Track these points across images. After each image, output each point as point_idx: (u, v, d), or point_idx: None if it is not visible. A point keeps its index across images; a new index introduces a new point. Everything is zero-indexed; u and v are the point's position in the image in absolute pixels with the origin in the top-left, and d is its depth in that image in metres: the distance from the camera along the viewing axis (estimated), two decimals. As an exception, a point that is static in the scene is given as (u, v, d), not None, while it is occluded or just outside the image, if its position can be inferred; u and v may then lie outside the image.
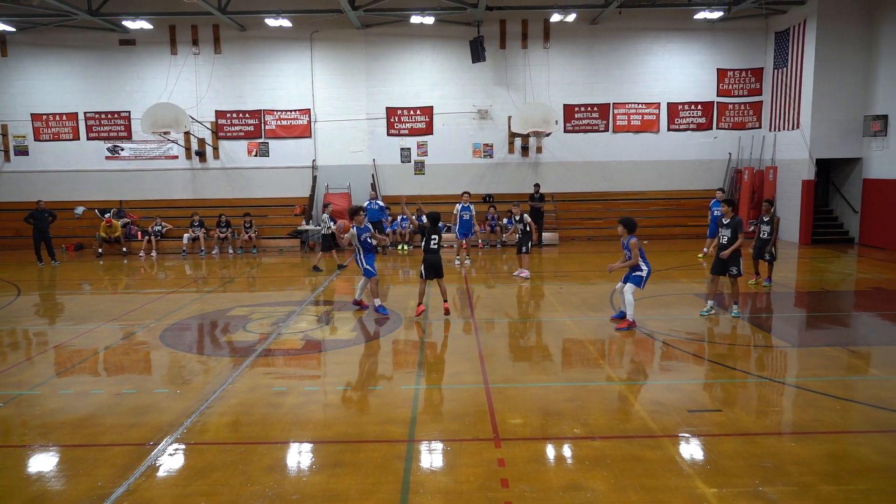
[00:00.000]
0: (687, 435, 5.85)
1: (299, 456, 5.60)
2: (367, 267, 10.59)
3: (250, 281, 14.92)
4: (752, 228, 17.73)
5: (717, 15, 19.31)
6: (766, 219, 12.41)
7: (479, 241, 19.43)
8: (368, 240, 10.75)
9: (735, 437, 5.84)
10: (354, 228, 10.63)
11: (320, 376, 7.92)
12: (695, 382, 7.47)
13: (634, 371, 7.90)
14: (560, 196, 21.35)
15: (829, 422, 6.16)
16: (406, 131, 21.26)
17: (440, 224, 10.60)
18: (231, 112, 21.09)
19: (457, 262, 16.07)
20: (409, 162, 21.43)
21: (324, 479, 5.15)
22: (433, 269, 10.29)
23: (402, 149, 21.35)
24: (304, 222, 20.02)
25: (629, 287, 9.57)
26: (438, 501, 4.77)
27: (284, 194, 21.35)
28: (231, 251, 19.23)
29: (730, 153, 21.36)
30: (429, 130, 21.24)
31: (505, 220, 19.85)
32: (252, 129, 21.17)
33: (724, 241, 10.30)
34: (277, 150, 21.28)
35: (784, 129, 19.89)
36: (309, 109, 21.04)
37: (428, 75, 21.02)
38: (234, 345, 9.18)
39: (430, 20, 19.40)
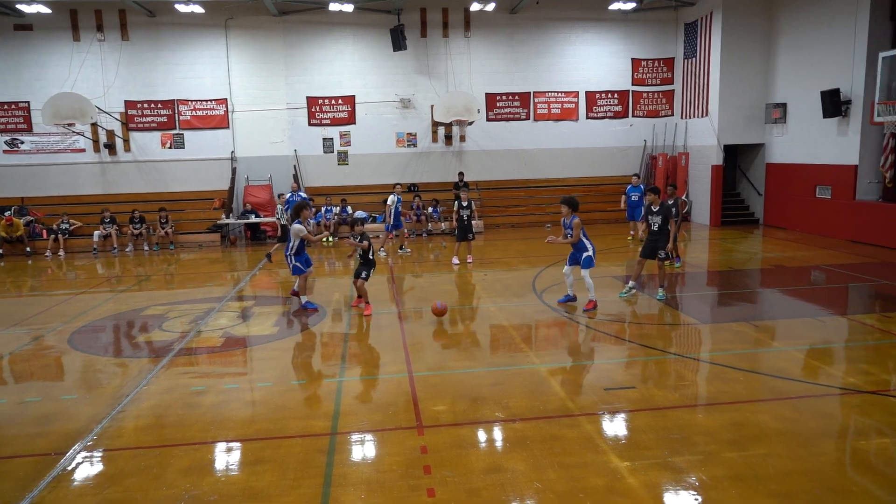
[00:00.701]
0: (603, 412, 6.07)
1: (218, 456, 5.48)
2: (297, 265, 10.45)
3: (167, 278, 14.39)
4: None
5: (630, 6, 19.92)
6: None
7: (406, 230, 19.41)
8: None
9: (648, 411, 6.10)
10: (297, 224, 10.40)
11: (241, 373, 7.75)
12: (612, 362, 7.75)
13: (555, 353, 8.11)
14: (484, 184, 21.59)
15: (734, 393, 6.53)
16: (328, 121, 20.94)
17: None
18: (142, 102, 20.17)
19: (382, 253, 16.01)
20: (333, 152, 21.14)
21: (244, 477, 5.06)
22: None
23: (324, 139, 21.03)
24: (223, 216, 19.45)
25: (586, 272, 9.77)
26: (360, 492, 4.78)
27: (202, 187, 20.65)
28: (146, 248, 18.46)
29: (645, 140, 22.14)
30: (351, 120, 21.01)
31: (430, 210, 19.92)
32: (165, 119, 20.33)
33: (656, 227, 10.56)
34: (193, 142, 20.54)
35: (694, 116, 20.78)
36: (226, 99, 20.40)
37: (349, 64, 20.76)
38: (149, 345, 8.85)
39: (349, 7, 19.13)
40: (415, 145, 21.39)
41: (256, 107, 20.53)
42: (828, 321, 9.24)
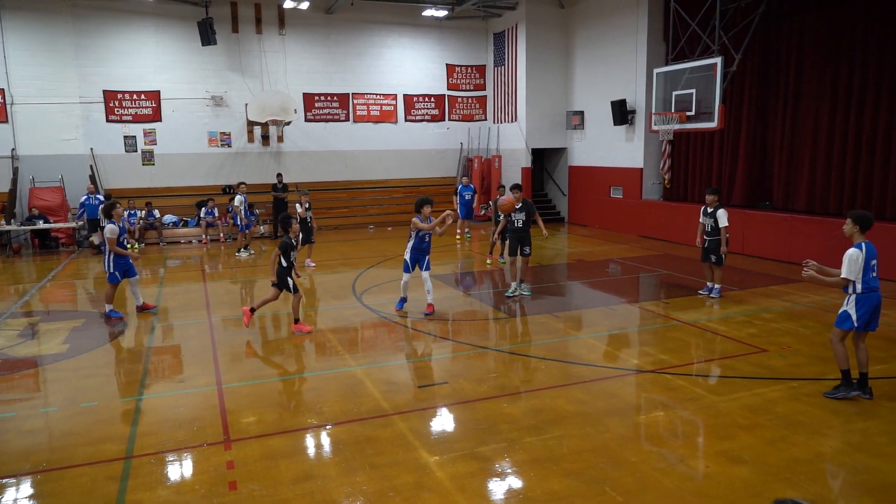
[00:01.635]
0: (416, 410, 6.21)
1: (-15, 496, 4.81)
2: (115, 272, 9.61)
3: (-71, 295, 12.37)
4: (483, 212, 19.40)
5: (442, 13, 20.60)
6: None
7: (221, 234, 18.47)
8: (126, 242, 9.87)
9: (458, 405, 6.35)
10: (110, 224, 9.50)
11: (19, 399, 6.87)
12: (426, 359, 7.96)
13: (372, 355, 8.15)
14: (304, 186, 21.09)
15: (535, 381, 7.00)
16: (130, 118, 19.28)
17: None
18: None
19: (244, 254, 15.57)
20: (136, 151, 19.50)
21: (17, 517, 4.49)
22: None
23: (125, 137, 19.32)
24: (4, 222, 17.13)
25: (427, 274, 9.70)
26: (157, 518, 4.45)
27: (-25, 190, 18.04)
28: None
29: (462, 143, 23.04)
30: (157, 117, 19.52)
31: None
32: (-76, 111, 17.49)
33: (520, 224, 10.70)
34: (-38, 138, 17.88)
35: (505, 121, 22.01)
36: (3, 90, 17.98)
37: (152, 57, 19.26)
38: None
39: (149, -4, 17.77)
40: (229, 145, 20.39)
41: (42, 99, 18.31)
42: (618, 309, 10.24)
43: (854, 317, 6.14)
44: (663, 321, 9.36)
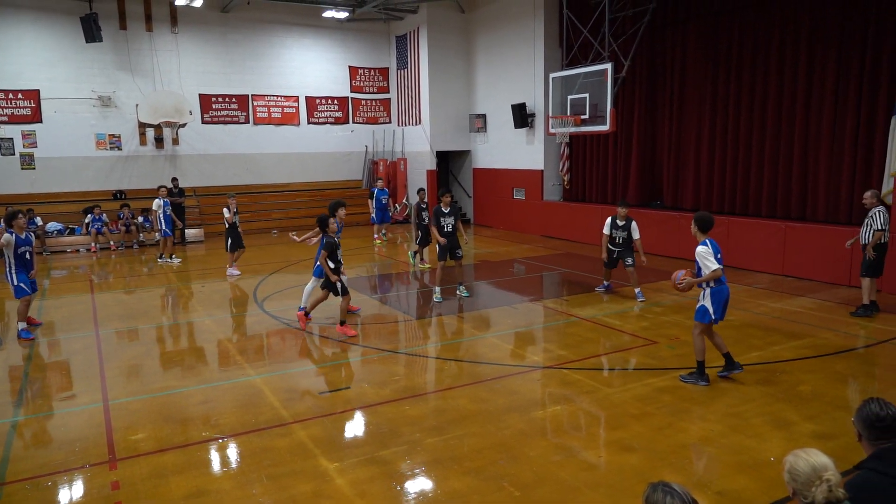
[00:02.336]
0: (316, 417, 6.10)
1: None
2: (21, 284, 8.83)
3: None
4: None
5: (343, 15, 20.38)
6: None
7: (111, 242, 17.46)
8: (28, 254, 8.96)
9: (360, 409, 6.29)
10: (10, 235, 8.71)
11: None
12: (329, 364, 7.84)
13: (272, 363, 7.94)
14: (203, 190, 20.35)
15: (439, 382, 7.05)
16: (6, 118, 17.87)
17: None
18: None
19: (174, 260, 15.12)
20: (14, 155, 18.09)
21: None
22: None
23: (1, 139, 17.90)
24: None
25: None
26: (31, 548, 4.14)
27: None
28: None
29: (366, 146, 22.89)
30: (36, 118, 18.20)
31: (140, 219, 18.17)
32: None
33: (449, 228, 10.74)
34: None
35: (409, 124, 22.07)
36: None
37: (30, 53, 17.94)
38: None
39: (24, -12, 16.54)
40: (119, 148, 19.31)
41: None
42: (521, 308, 10.48)
43: (711, 310, 6.58)
44: (564, 318, 9.66)
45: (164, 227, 14.95)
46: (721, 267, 6.52)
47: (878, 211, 9.09)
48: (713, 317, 6.58)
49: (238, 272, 13.31)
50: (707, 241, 6.59)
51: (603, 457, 5.27)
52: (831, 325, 8.88)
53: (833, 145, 12.10)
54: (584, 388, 6.75)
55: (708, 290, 6.58)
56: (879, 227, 9.02)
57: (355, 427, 5.96)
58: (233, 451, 5.43)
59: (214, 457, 5.37)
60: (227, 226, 13.30)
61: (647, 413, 6.05)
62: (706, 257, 6.49)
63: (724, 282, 6.63)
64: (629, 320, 9.33)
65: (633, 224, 10.58)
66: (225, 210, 13.29)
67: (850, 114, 11.75)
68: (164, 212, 14.93)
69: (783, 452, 5.13)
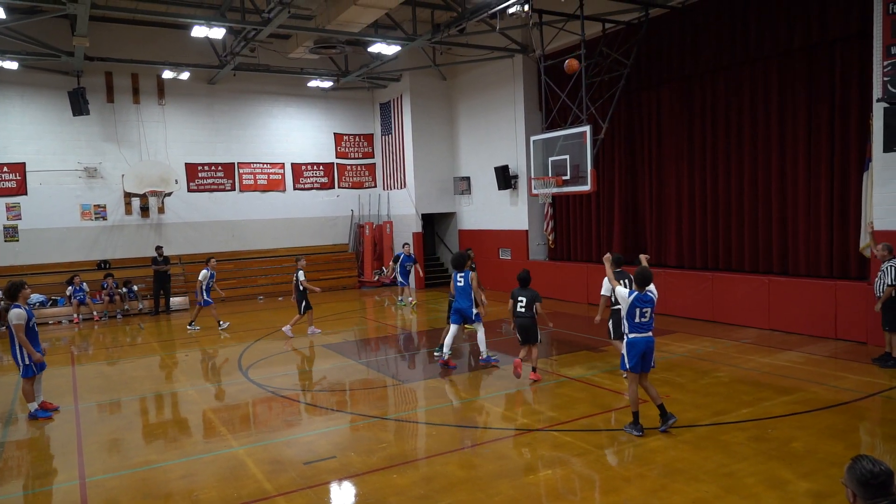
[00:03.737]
0: (301, 489, 5.91)
1: None
2: (28, 364, 8.24)
3: None
4: (377, 278, 19.31)
5: (328, 84, 20.89)
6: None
7: (94, 312, 17.23)
8: (35, 326, 8.44)
9: (346, 479, 6.11)
10: (15, 308, 8.16)
11: None
12: (314, 433, 7.64)
13: (256, 433, 7.73)
14: (188, 258, 20.26)
15: (426, 448, 6.89)
16: (-10, 191, 17.90)
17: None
18: None
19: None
20: (-2, 227, 18.04)
21: None
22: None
23: (-16, 212, 17.89)
24: None
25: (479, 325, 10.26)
26: None
27: None
28: None
29: (352, 210, 23.06)
30: (21, 190, 18.23)
31: (124, 289, 18.01)
32: None
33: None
34: None
35: (394, 188, 22.34)
36: None
37: (17, 128, 18.12)
38: None
39: (13, 65, 16.83)
40: (105, 218, 19.30)
41: None
42: (509, 369, 10.32)
43: (626, 359, 6.90)
44: (551, 377, 9.56)
45: (205, 297, 14.42)
46: (633, 322, 6.85)
47: (891, 266, 9.16)
48: (627, 365, 6.89)
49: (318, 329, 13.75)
50: (636, 292, 6.89)
51: (596, 523, 5.12)
52: (820, 379, 8.85)
53: (809, 200, 12.35)
54: (576, 450, 6.62)
55: (626, 339, 6.92)
56: (891, 283, 9.08)
57: (341, 498, 5.77)
58: (214, 529, 5.23)
59: (194, 535, 5.16)
60: (301, 289, 13.36)
61: (640, 475, 5.92)
62: (621, 296, 6.96)
63: (643, 333, 6.86)
64: (619, 379, 9.24)
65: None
66: (300, 273, 13.37)
67: (823, 170, 12.04)
68: (208, 283, 14.49)
69: (779, 513, 5.05)
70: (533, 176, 15.40)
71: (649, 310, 6.88)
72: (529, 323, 9.37)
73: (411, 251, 17.94)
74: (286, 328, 13.40)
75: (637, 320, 6.86)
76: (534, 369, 9.39)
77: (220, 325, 14.64)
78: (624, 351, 6.92)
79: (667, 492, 5.56)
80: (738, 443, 6.59)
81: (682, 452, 6.41)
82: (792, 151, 12.56)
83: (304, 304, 13.32)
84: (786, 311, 11.98)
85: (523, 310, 9.45)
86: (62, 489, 6.15)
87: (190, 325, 15.00)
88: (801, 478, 5.75)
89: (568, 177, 14.26)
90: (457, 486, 5.85)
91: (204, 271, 14.51)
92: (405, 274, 17.30)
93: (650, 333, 6.93)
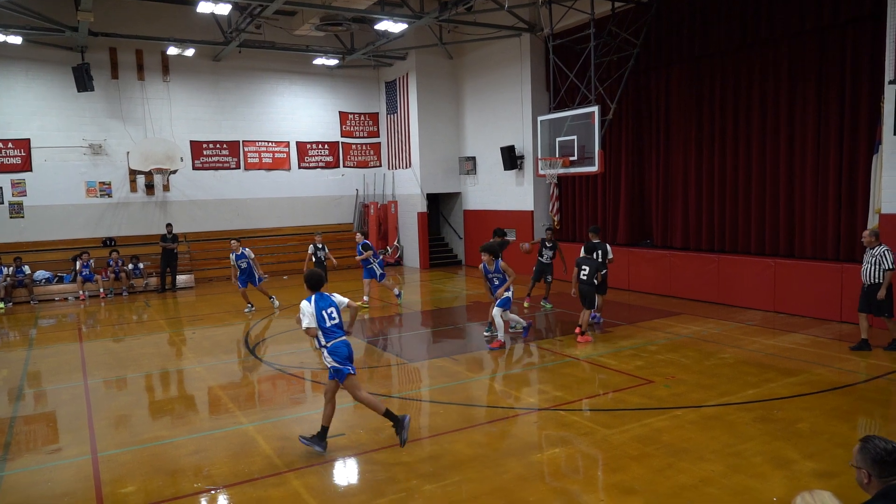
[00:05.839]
0: (311, 465, 5.98)
1: None
2: None
3: None
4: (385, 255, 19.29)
5: (333, 62, 20.74)
6: (548, 244, 13.81)
7: (101, 289, 17.31)
8: None
9: (355, 456, 6.18)
10: None
11: None
12: (322, 411, 7.70)
13: (265, 410, 7.81)
14: (193, 236, 20.31)
15: (434, 426, 6.95)
16: (-5, 168, 17.90)
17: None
18: None
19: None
20: (2, 203, 18.04)
21: None
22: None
23: (-11, 188, 17.90)
24: None
25: (498, 311, 10.25)
26: None
27: None
28: None
29: (357, 189, 23.02)
30: (26, 167, 18.21)
31: (131, 266, 18.07)
32: None
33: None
34: None
35: (400, 167, 22.27)
36: None
37: (21, 103, 18.06)
38: None
39: (17, 40, 16.73)
40: (110, 195, 19.31)
41: None
42: (515, 348, 10.41)
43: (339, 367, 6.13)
44: (558, 358, 9.61)
45: (258, 275, 14.21)
46: (326, 325, 6.10)
47: (886, 251, 9.12)
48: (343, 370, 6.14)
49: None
50: (312, 297, 6.17)
51: (604, 500, 5.18)
52: (825, 361, 8.88)
53: (818, 183, 12.29)
54: (582, 429, 6.67)
55: (325, 349, 6.14)
56: (889, 267, 9.03)
57: (351, 475, 5.84)
58: (225, 503, 5.30)
59: (206, 509, 5.24)
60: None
61: (646, 454, 5.97)
62: (305, 313, 6.06)
63: (337, 337, 6.17)
64: (624, 359, 9.29)
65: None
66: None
67: (832, 152, 11.97)
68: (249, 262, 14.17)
69: (786, 492, 5.10)
70: (539, 156, 15.34)
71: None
72: (588, 289, 10.47)
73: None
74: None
75: (333, 322, 6.17)
76: (583, 332, 10.39)
77: (247, 308, 14.23)
78: (330, 361, 6.14)
79: (673, 470, 5.62)
80: (744, 423, 6.64)
81: (688, 432, 6.46)
82: (801, 133, 12.48)
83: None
84: (791, 294, 11.99)
85: (585, 277, 10.50)
86: (75, 464, 6.22)
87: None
88: (807, 458, 5.79)
89: (575, 157, 14.22)
90: (464, 464, 5.91)
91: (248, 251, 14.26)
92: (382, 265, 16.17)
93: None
